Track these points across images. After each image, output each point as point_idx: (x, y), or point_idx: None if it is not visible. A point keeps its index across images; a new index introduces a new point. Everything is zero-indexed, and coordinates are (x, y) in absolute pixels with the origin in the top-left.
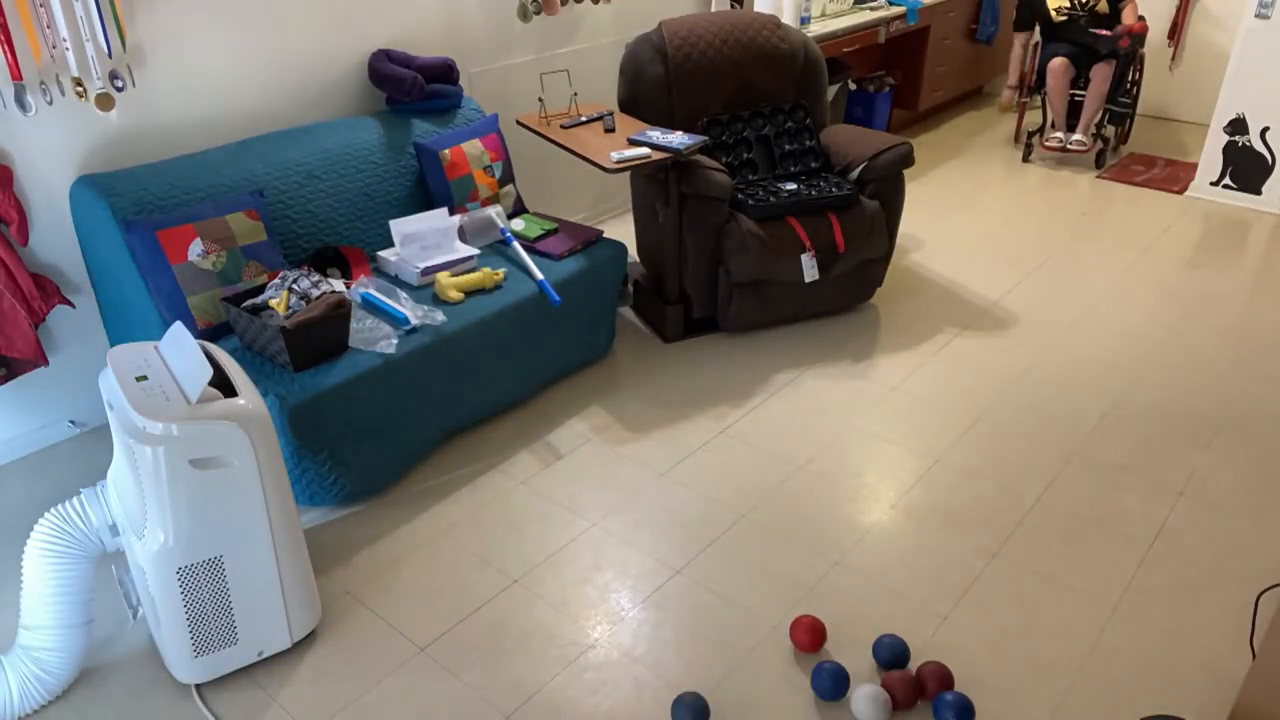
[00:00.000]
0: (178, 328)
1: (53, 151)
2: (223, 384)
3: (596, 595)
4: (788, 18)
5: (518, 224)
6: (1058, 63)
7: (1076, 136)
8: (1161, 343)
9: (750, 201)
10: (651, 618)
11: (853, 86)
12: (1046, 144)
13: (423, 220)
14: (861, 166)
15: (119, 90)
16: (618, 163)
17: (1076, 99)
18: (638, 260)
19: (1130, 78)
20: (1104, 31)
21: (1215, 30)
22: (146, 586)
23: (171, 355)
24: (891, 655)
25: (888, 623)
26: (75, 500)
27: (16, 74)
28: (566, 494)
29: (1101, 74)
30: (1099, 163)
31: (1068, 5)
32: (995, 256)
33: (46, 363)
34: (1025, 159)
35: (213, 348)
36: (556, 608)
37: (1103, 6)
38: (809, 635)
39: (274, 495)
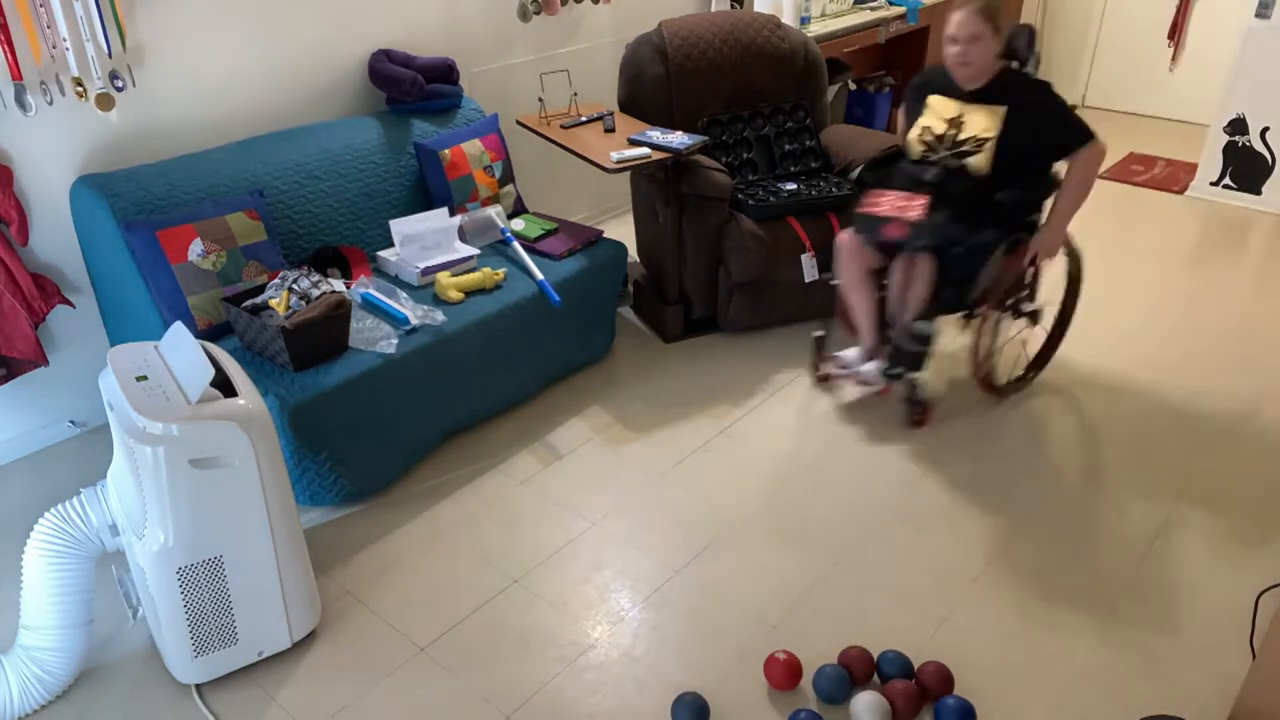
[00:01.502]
0: (178, 328)
1: (53, 151)
2: (223, 384)
3: (596, 595)
4: (788, 18)
5: (518, 224)
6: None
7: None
8: (1161, 342)
9: (750, 201)
10: (651, 618)
11: (853, 86)
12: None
13: (423, 220)
14: (861, 166)
15: (119, 90)
16: (618, 163)
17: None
18: (638, 260)
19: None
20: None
21: (1215, 30)
22: (146, 586)
23: (172, 355)
24: (894, 670)
25: (887, 623)
26: (75, 500)
27: (16, 74)
28: (566, 494)
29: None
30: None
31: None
32: None
33: (46, 363)
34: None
35: (213, 348)
36: (556, 608)
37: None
38: (784, 673)
39: (274, 495)
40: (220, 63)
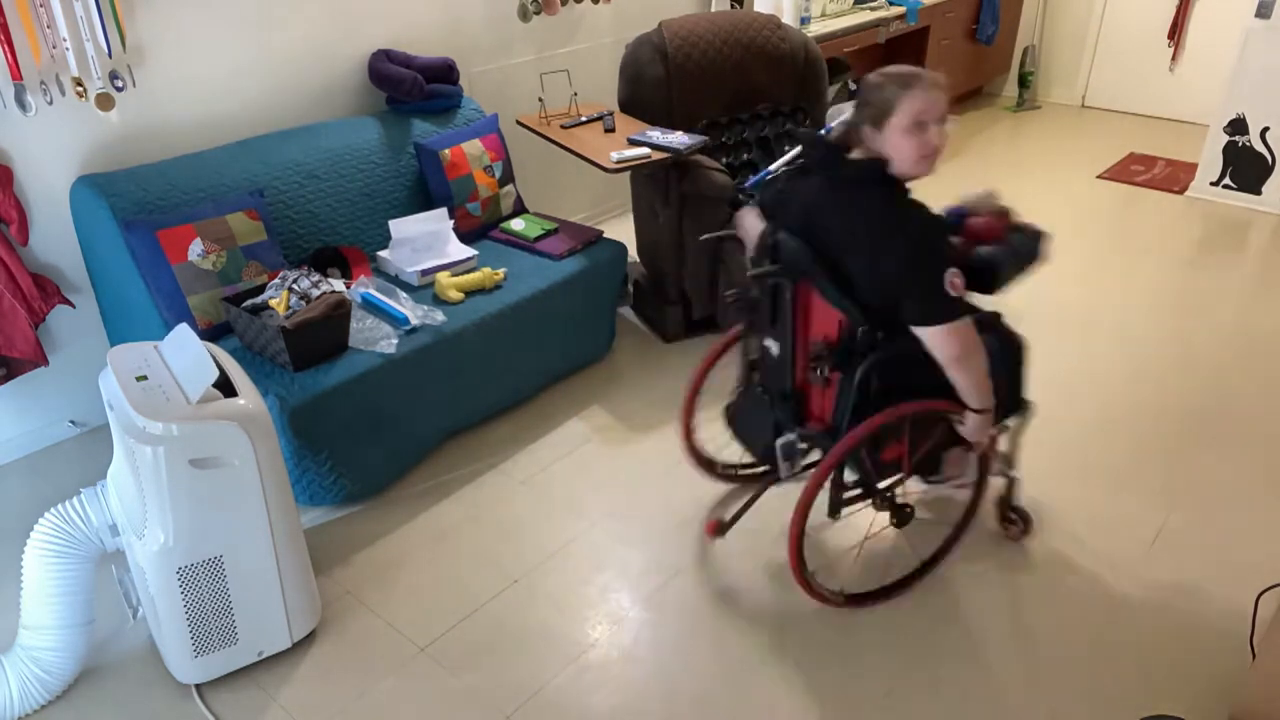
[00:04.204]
0: (182, 328)
1: (53, 151)
2: (223, 384)
3: (596, 595)
4: (788, 18)
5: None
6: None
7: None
8: (1161, 343)
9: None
10: (651, 618)
11: (853, 86)
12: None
13: (422, 221)
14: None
15: (119, 90)
16: (618, 163)
17: None
18: (638, 260)
19: None
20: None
21: (1215, 30)
22: (146, 586)
23: (173, 355)
24: None
25: (887, 622)
26: (75, 500)
27: (16, 74)
28: (566, 494)
29: None
30: None
31: None
32: None
33: (46, 363)
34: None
35: (213, 348)
36: (556, 608)
37: None
38: None
39: (274, 495)
40: (220, 63)
